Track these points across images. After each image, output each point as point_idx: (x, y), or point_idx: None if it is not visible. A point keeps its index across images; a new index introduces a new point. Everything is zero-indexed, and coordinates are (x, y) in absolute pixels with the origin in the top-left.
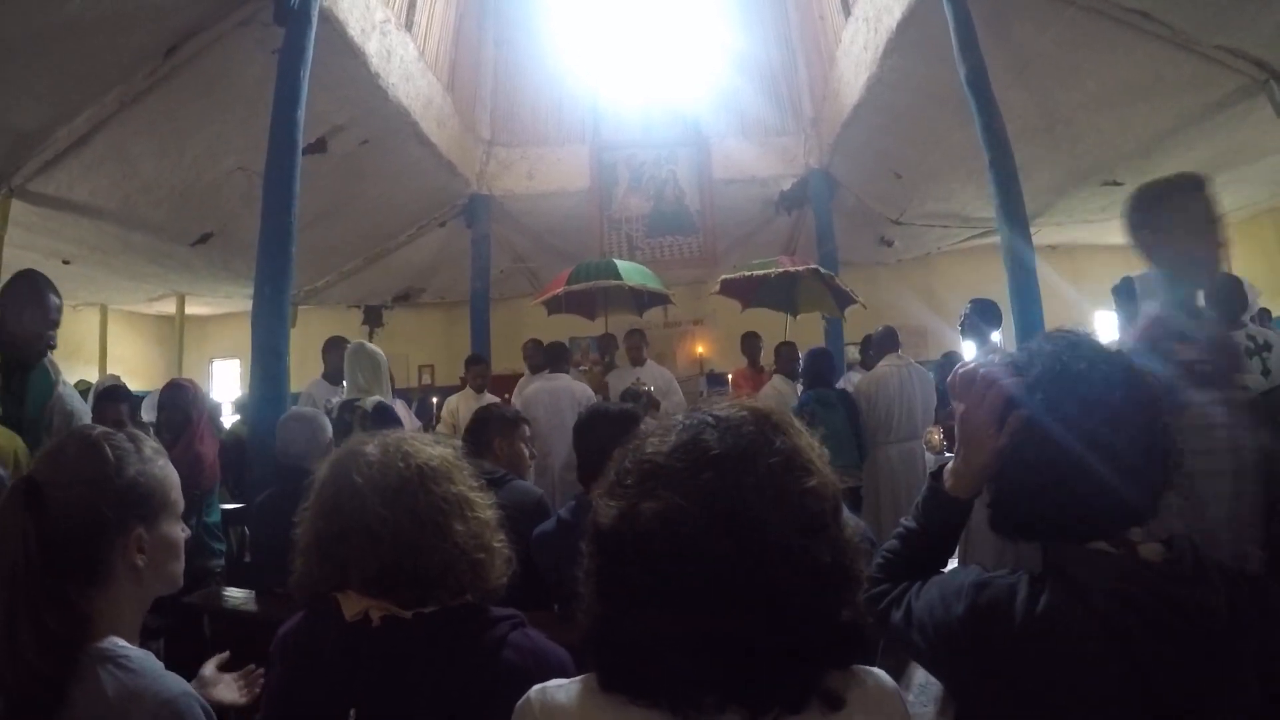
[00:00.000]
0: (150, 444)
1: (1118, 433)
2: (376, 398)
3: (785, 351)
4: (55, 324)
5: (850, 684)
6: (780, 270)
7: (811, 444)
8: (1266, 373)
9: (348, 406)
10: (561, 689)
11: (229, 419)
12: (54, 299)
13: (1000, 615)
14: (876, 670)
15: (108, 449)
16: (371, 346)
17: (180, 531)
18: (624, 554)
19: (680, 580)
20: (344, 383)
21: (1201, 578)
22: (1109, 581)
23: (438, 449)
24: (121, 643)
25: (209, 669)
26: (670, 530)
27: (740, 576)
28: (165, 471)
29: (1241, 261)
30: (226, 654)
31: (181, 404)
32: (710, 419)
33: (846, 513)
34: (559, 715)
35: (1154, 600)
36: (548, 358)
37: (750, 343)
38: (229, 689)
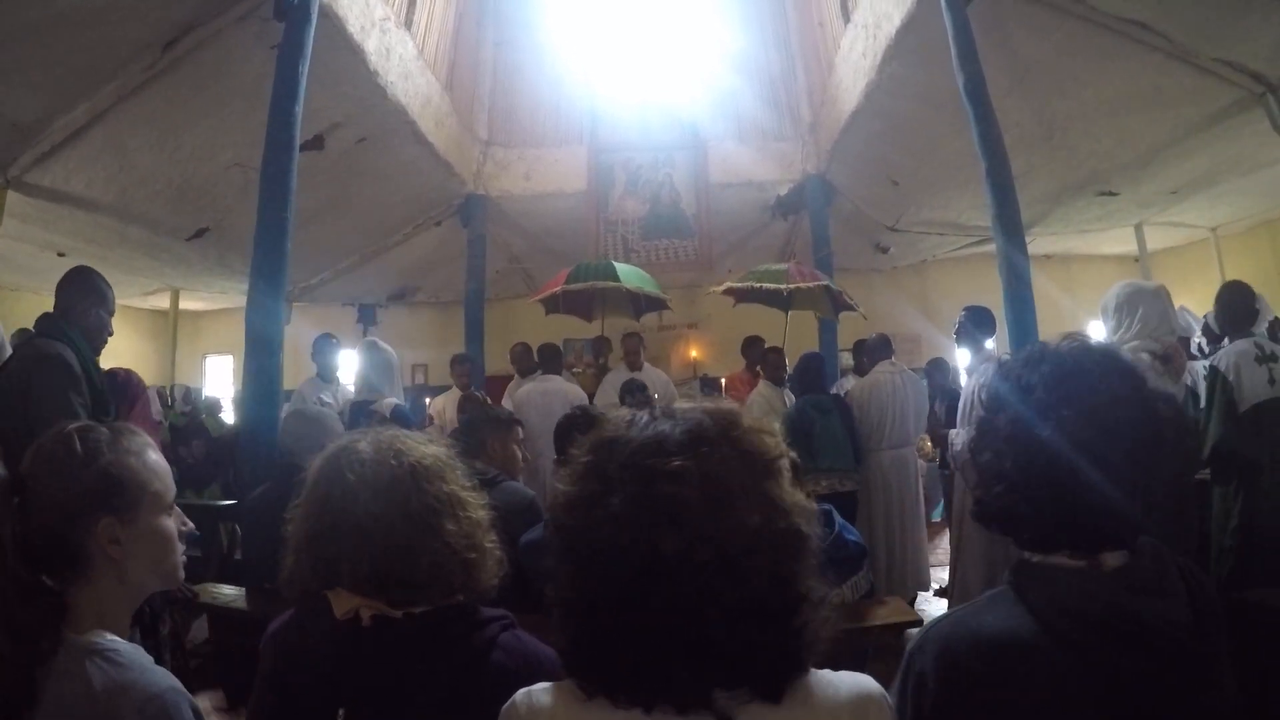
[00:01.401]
0: (136, 437)
1: (1109, 442)
2: (393, 400)
3: (773, 358)
4: (112, 315)
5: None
6: (793, 287)
7: (762, 441)
8: (1273, 382)
9: (361, 409)
10: (546, 691)
11: (229, 415)
12: (111, 291)
13: (960, 650)
14: (847, 678)
15: (77, 441)
16: (384, 345)
17: (171, 524)
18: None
19: (576, 569)
20: (338, 376)
21: (1163, 586)
22: (1065, 599)
23: (431, 448)
24: (110, 636)
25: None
26: (566, 515)
27: (602, 565)
28: (143, 462)
29: (1237, 273)
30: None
31: (112, 391)
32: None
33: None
34: (543, 716)
35: (1111, 614)
36: (541, 359)
37: (751, 347)
38: None
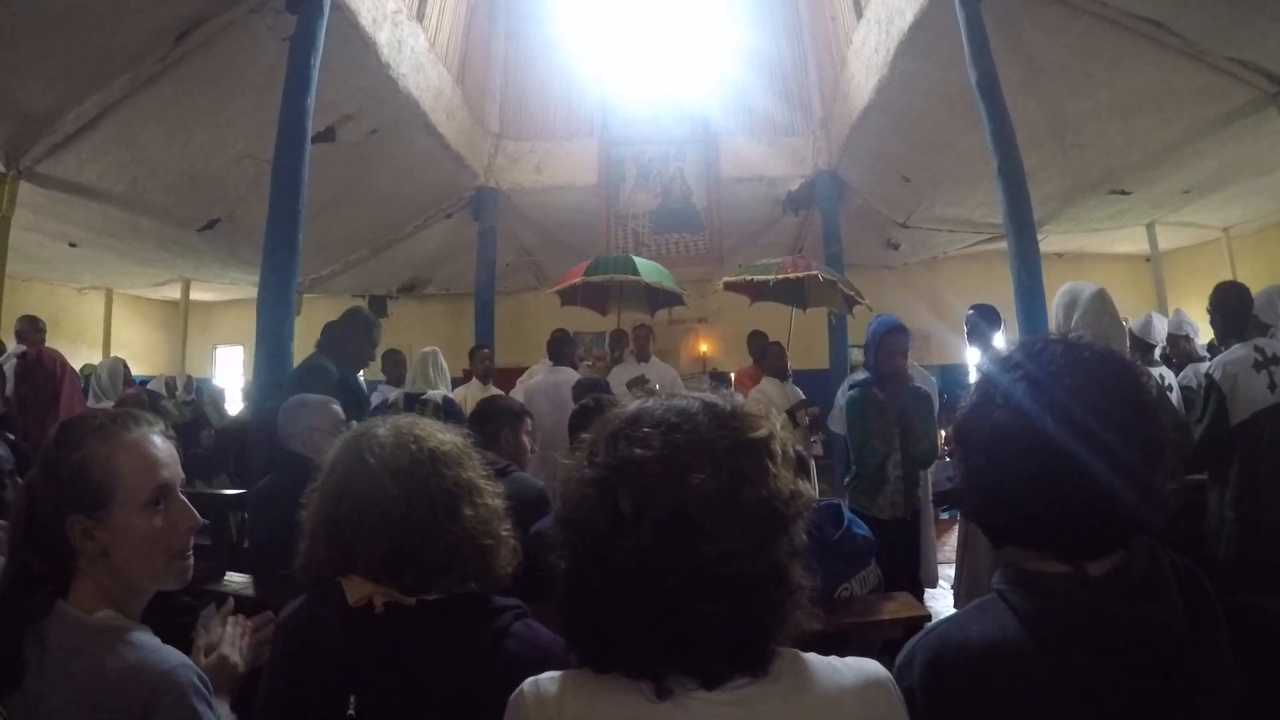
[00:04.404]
0: (128, 430)
1: (1112, 436)
2: (444, 391)
3: (773, 351)
4: (375, 344)
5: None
6: (780, 277)
7: (747, 422)
8: (1273, 387)
9: (414, 398)
10: (553, 680)
11: (235, 405)
12: (376, 329)
13: (947, 663)
14: (853, 664)
15: (57, 432)
16: (442, 359)
17: (156, 521)
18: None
19: (564, 533)
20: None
21: (1155, 590)
22: (1052, 606)
23: (448, 435)
24: (120, 618)
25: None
26: (561, 485)
27: (578, 525)
28: (116, 458)
29: (1249, 275)
30: (230, 602)
31: (25, 377)
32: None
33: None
34: (550, 705)
35: (1098, 621)
36: (552, 350)
37: (756, 341)
38: (232, 649)
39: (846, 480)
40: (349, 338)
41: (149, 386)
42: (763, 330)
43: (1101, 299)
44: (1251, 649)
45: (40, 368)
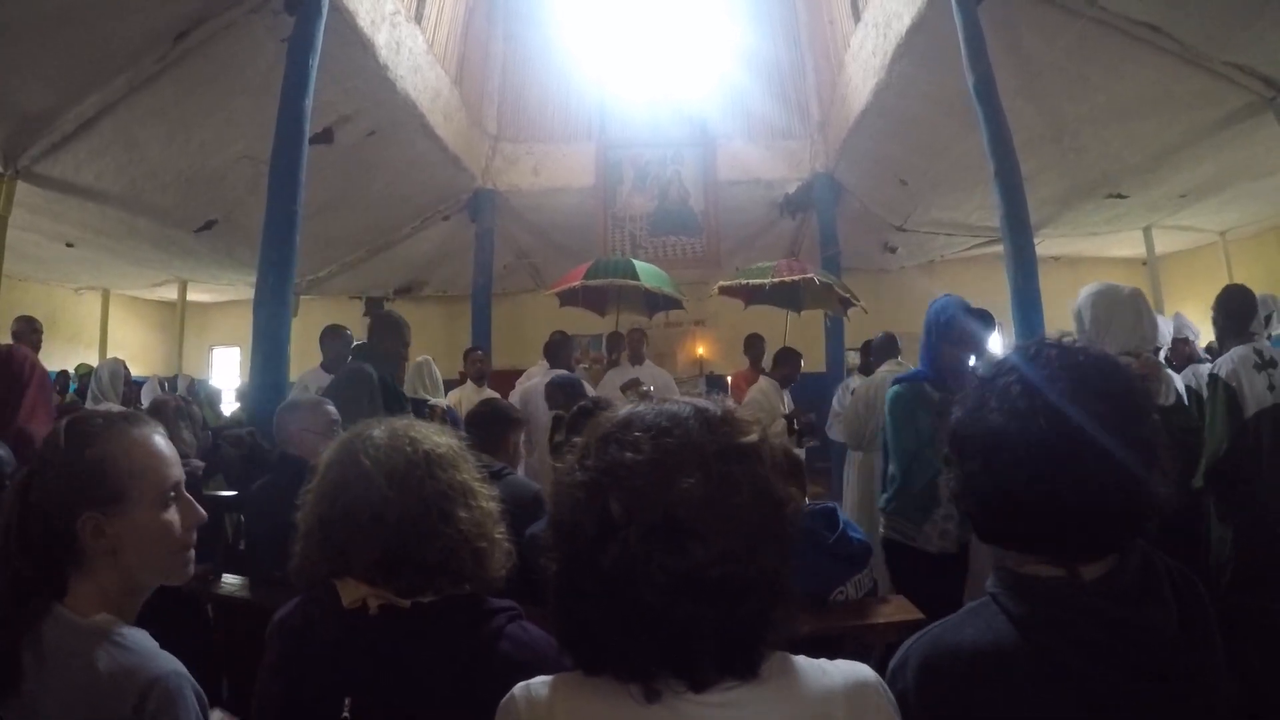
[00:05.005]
0: (134, 427)
1: (1110, 439)
2: (447, 401)
3: (790, 357)
4: (408, 345)
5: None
6: (776, 280)
7: (737, 427)
8: (1272, 388)
9: (420, 404)
10: (545, 684)
11: (229, 407)
12: (406, 331)
13: (942, 665)
14: (843, 666)
15: (62, 432)
16: (435, 368)
17: (167, 517)
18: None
19: (554, 537)
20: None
21: (1148, 594)
22: (1045, 609)
23: (443, 437)
24: (117, 621)
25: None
26: (553, 488)
27: (569, 528)
28: (131, 454)
29: (1245, 279)
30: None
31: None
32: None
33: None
34: (541, 708)
35: (1092, 624)
36: (549, 352)
37: (753, 345)
38: None
39: (883, 501)
40: (381, 340)
41: (144, 389)
42: (760, 334)
43: (1139, 300)
44: (1252, 651)
45: (7, 367)
